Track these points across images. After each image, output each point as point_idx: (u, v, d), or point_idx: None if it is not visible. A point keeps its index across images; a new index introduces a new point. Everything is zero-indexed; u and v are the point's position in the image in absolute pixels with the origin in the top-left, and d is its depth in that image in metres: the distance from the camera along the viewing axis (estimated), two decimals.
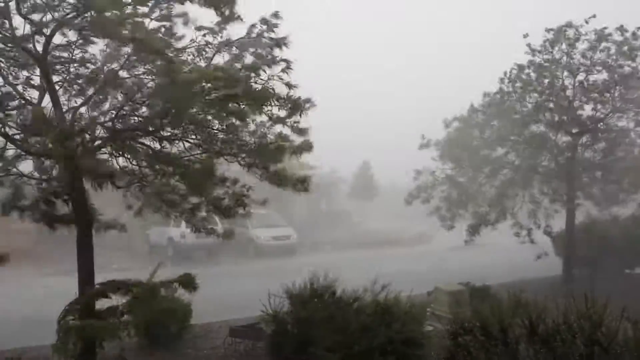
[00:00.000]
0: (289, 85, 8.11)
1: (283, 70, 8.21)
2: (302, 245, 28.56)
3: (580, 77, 16.55)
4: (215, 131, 8.44)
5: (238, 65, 8.26)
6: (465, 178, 18.07)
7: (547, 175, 17.02)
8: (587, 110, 16.97)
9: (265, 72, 8.12)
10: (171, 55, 7.67)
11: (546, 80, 16.64)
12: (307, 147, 8.39)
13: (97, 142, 8.09)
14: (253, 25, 8.45)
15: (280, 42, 8.32)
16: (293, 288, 9.28)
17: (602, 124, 16.98)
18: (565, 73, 16.57)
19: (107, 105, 8.69)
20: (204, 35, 8.50)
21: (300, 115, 8.13)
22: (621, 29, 15.97)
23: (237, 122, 8.22)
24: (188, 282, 8.12)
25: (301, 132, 8.43)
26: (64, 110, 8.15)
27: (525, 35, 16.65)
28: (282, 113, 8.26)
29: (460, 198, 17.40)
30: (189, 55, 8.54)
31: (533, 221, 16.98)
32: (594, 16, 15.90)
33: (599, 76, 16.53)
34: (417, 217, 18.72)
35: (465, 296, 11.45)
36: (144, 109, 8.29)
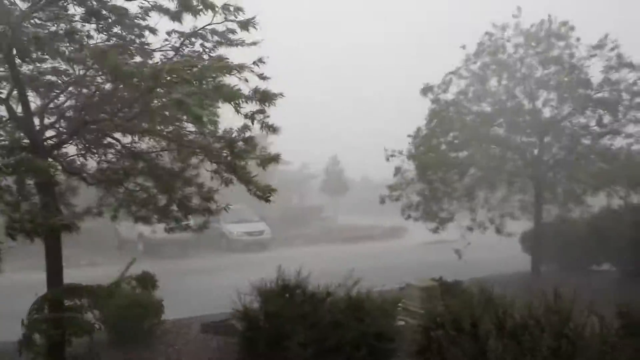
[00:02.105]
0: (261, 77, 7.64)
1: (255, 63, 7.58)
2: (274, 240, 28.53)
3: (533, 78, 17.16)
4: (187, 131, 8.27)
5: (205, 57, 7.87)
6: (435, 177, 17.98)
7: (514, 174, 17.25)
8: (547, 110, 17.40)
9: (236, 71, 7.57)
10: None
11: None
12: (275, 158, 8.00)
13: (64, 137, 7.93)
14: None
15: (247, 24, 7.69)
16: (263, 284, 9.22)
17: (564, 122, 17.27)
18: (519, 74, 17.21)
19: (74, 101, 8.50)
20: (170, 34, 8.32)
21: (269, 106, 7.42)
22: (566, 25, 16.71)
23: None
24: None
25: (272, 129, 7.77)
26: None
27: (464, 47, 17.56)
28: (251, 107, 7.52)
29: (433, 195, 17.42)
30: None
31: (489, 218, 17.45)
32: (518, 13, 16.79)
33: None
34: (390, 211, 18.68)
35: (437, 292, 11.55)
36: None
